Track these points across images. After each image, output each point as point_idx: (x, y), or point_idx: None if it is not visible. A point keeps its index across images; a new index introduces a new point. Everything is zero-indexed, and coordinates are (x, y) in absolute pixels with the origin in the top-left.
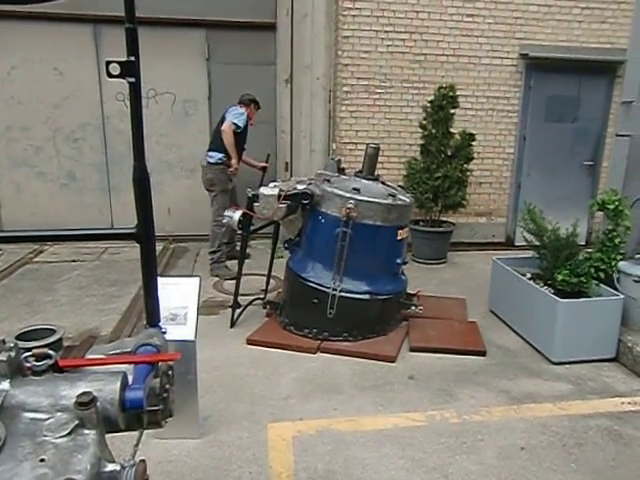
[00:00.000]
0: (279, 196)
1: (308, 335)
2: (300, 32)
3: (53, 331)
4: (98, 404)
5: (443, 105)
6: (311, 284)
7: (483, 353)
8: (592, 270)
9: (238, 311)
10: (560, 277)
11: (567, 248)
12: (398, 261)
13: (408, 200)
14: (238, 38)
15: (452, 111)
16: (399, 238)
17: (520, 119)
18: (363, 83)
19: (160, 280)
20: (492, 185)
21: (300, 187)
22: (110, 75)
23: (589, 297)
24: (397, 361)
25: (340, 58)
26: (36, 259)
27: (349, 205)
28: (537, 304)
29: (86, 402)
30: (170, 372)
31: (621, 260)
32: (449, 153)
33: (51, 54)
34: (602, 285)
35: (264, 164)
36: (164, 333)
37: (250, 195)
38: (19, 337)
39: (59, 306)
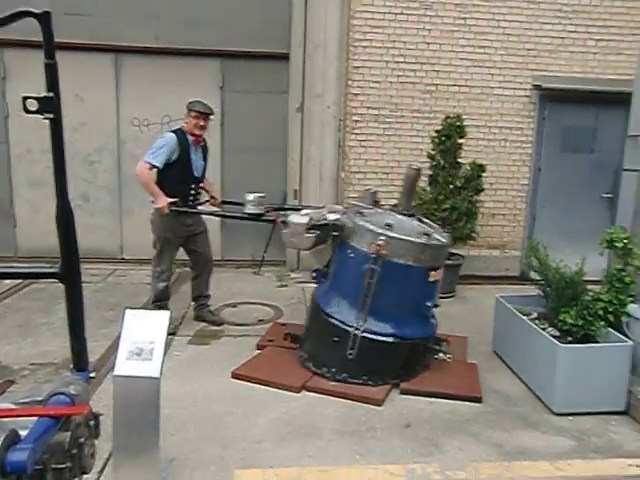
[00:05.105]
0: (308, 225)
1: (326, 374)
2: (312, 62)
3: None
4: None
5: (450, 135)
6: (333, 320)
7: (479, 399)
8: (601, 312)
9: None
10: (565, 318)
11: (572, 287)
12: (428, 304)
13: (444, 240)
14: (252, 67)
15: (460, 141)
16: (431, 280)
17: (534, 150)
18: (373, 112)
19: (129, 312)
20: (506, 217)
21: (331, 217)
22: (27, 111)
23: (597, 342)
24: (384, 405)
25: (350, 88)
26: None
27: (379, 241)
28: (538, 348)
29: None
30: (93, 422)
31: (631, 302)
32: (458, 184)
33: (74, 81)
34: (611, 329)
35: (214, 194)
36: (91, 378)
37: (280, 221)
38: None
39: (53, 329)
